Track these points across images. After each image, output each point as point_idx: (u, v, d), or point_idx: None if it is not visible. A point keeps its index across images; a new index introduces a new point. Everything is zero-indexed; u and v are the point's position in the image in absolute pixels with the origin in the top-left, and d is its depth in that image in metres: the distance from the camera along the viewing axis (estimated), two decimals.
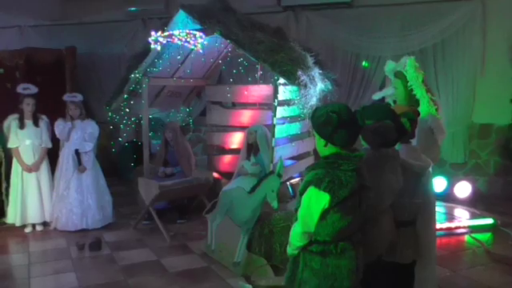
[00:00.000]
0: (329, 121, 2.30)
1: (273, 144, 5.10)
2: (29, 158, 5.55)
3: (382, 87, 6.68)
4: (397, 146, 2.86)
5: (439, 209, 6.10)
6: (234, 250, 4.38)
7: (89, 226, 5.58)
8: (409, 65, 3.51)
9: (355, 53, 7.39)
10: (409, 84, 3.50)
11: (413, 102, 3.53)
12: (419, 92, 3.50)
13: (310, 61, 5.05)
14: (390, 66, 3.73)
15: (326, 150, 2.38)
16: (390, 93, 3.56)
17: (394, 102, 3.78)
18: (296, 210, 2.44)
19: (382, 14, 7.16)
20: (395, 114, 2.77)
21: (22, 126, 5.50)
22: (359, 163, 2.36)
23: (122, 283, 4.23)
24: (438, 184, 6.59)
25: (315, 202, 2.28)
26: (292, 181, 5.69)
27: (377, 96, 4.18)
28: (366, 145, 2.78)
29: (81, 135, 5.61)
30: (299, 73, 4.65)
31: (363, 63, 7.32)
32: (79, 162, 5.60)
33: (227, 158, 6.07)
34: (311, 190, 2.30)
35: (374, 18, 7.19)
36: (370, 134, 2.65)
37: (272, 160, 5.00)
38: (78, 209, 5.55)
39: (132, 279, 4.29)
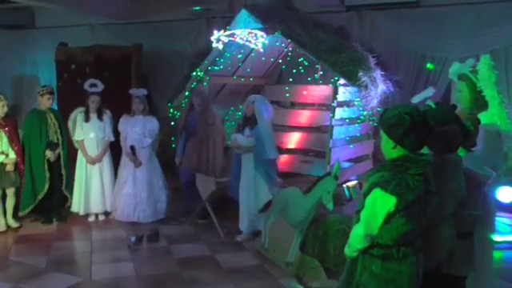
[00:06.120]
0: (401, 122, 2.23)
1: (330, 145, 5.03)
2: (92, 150, 5.79)
3: (448, 90, 6.39)
4: (460, 153, 2.72)
5: (504, 220, 5.78)
6: (287, 250, 4.36)
7: (140, 220, 5.69)
8: (482, 62, 3.29)
9: (420, 54, 7.13)
10: (478, 85, 3.29)
11: (479, 105, 3.32)
12: (490, 93, 3.27)
13: (372, 61, 4.95)
14: (455, 68, 3.52)
15: (393, 152, 2.31)
16: (429, 95, 3.28)
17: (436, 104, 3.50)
18: (358, 211, 2.38)
19: (450, 14, 6.85)
20: (459, 118, 2.64)
21: (87, 119, 5.75)
22: (426, 167, 2.28)
23: (176, 275, 4.33)
24: (505, 194, 6.23)
25: (381, 205, 2.22)
26: (349, 183, 5.59)
27: (416, 99, 3.86)
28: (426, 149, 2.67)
29: (141, 131, 5.73)
30: (360, 73, 4.57)
31: (428, 65, 7.04)
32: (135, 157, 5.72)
33: (284, 157, 6.06)
34: (377, 191, 2.24)
35: (442, 18, 6.89)
36: (434, 138, 2.53)
37: (330, 160, 4.94)
38: (131, 201, 5.69)
39: (186, 272, 4.39)
